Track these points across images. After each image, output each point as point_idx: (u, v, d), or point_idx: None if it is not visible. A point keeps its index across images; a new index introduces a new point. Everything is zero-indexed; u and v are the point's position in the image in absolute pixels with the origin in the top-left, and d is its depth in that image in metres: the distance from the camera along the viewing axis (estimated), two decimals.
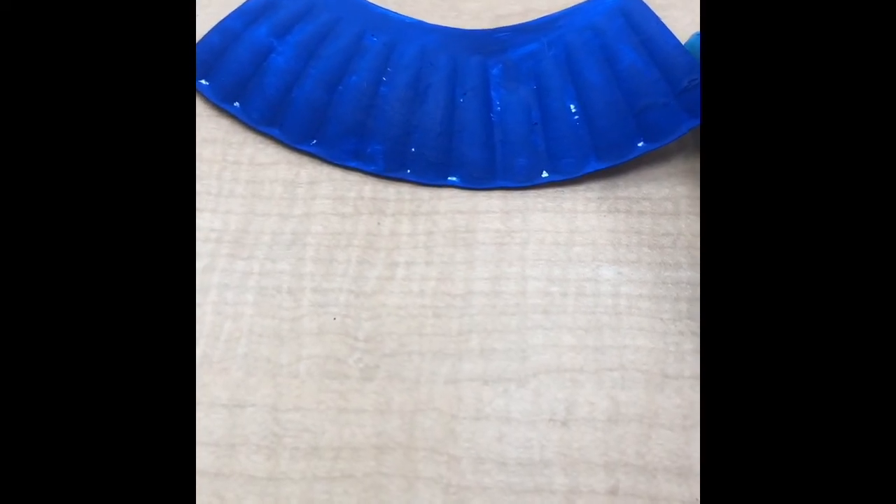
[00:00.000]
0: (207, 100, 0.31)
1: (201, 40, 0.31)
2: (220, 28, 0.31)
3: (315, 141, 0.30)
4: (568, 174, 0.29)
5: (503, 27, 0.31)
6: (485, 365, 0.26)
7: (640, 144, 0.29)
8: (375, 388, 0.26)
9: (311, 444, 0.25)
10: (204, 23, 0.32)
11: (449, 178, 0.29)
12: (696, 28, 0.32)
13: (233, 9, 0.32)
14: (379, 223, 0.28)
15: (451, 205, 0.29)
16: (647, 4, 0.30)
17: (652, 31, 0.29)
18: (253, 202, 0.29)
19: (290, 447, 0.25)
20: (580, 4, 0.30)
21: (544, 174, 0.29)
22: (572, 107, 0.29)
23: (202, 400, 0.26)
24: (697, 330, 0.26)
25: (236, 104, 0.30)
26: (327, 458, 0.25)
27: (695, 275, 0.27)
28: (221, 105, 0.30)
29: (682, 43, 0.29)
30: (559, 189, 0.29)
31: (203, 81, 0.31)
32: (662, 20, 0.30)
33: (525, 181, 0.29)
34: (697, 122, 0.28)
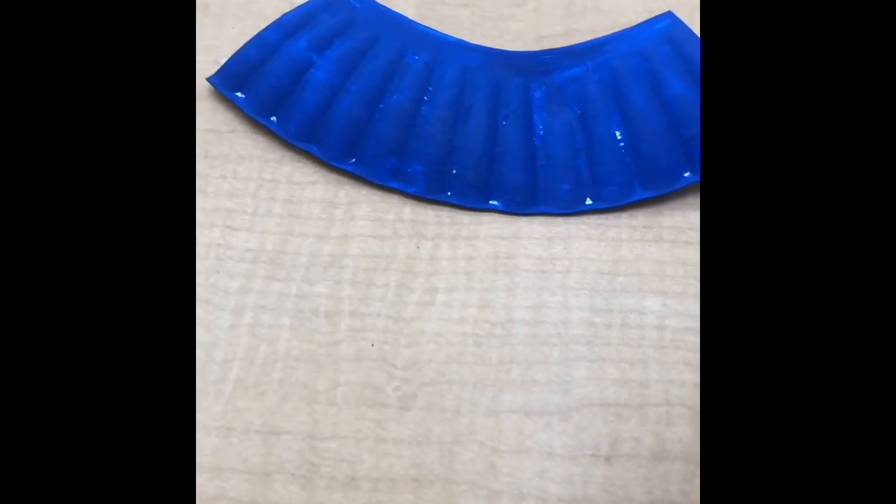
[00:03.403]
0: (244, 115, 0.30)
1: (238, 52, 0.30)
2: (258, 40, 0.30)
3: (354, 159, 0.29)
4: (612, 202, 0.28)
5: (547, 49, 0.30)
6: (526, 396, 0.25)
7: (686, 175, 0.28)
8: (414, 418, 0.25)
9: (348, 474, 0.24)
10: (240, 35, 0.31)
11: (490, 202, 0.29)
12: None
13: (270, 21, 0.31)
14: (418, 247, 0.28)
15: (491, 230, 0.28)
16: (693, 32, 0.30)
17: (699, 60, 0.29)
18: (290, 222, 0.28)
19: (327, 477, 0.24)
20: (627, 29, 0.30)
21: (588, 201, 0.28)
22: (618, 133, 0.29)
23: (236, 425, 0.25)
24: None
25: (273, 119, 0.30)
26: (365, 489, 0.24)
27: None
28: (258, 119, 0.30)
29: None
30: (603, 216, 0.28)
31: (239, 94, 0.30)
32: None
33: (568, 208, 0.28)
34: None
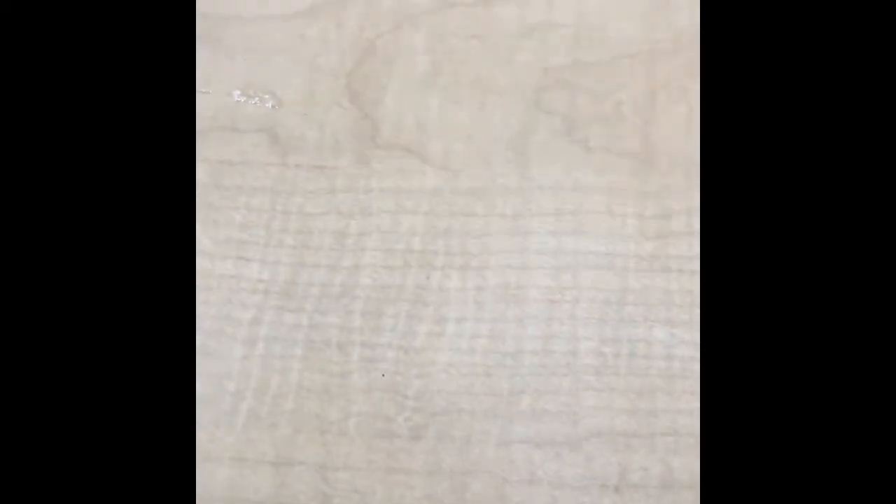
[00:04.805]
0: (256, 146, 0.31)
1: None
2: None
3: None
4: None
5: None
6: (536, 427, 0.26)
7: None
8: (425, 448, 0.25)
9: None
10: (251, 68, 0.32)
11: None
12: None
13: (281, 54, 0.31)
14: (428, 277, 0.28)
15: (501, 260, 0.28)
16: None
17: None
18: (302, 253, 0.29)
19: None
20: None
21: None
22: None
23: (248, 457, 0.25)
24: None
25: None
26: None
27: None
28: None
29: None
30: (611, 246, 0.29)
31: None
32: None
33: None
34: None
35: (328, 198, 0.30)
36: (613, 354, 0.27)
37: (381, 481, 0.25)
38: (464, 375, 0.26)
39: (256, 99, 0.32)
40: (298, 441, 0.25)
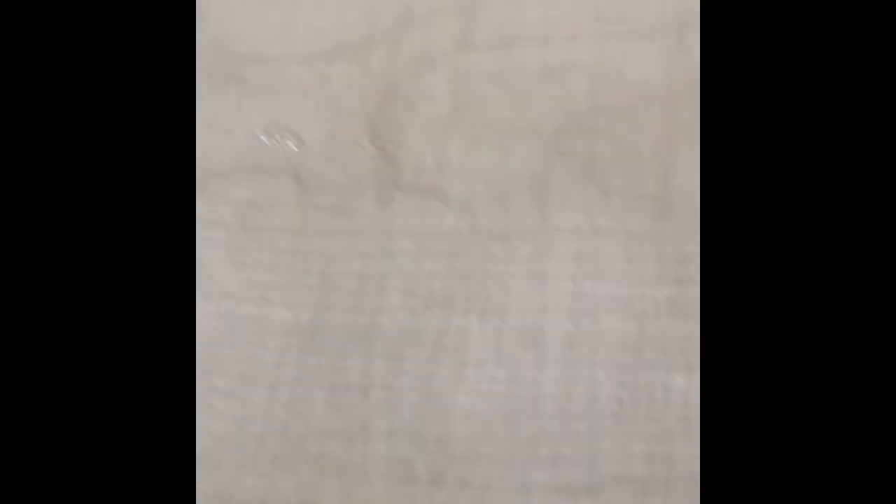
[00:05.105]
0: (281, 187, 0.31)
1: None
2: None
3: None
4: None
5: None
6: (555, 472, 0.26)
7: None
8: (444, 495, 0.26)
9: None
10: (275, 106, 0.32)
11: None
12: None
13: (307, 92, 0.32)
14: (448, 320, 0.29)
15: (520, 303, 0.29)
16: None
17: None
18: (324, 295, 0.29)
19: None
20: None
21: None
22: None
23: (271, 500, 0.26)
24: None
25: None
26: None
27: None
28: None
29: None
30: (630, 290, 0.29)
31: None
32: None
33: None
34: None
35: (350, 239, 0.30)
36: (632, 400, 0.27)
37: None
38: (483, 420, 0.27)
39: (280, 139, 0.32)
40: (320, 485, 0.26)
